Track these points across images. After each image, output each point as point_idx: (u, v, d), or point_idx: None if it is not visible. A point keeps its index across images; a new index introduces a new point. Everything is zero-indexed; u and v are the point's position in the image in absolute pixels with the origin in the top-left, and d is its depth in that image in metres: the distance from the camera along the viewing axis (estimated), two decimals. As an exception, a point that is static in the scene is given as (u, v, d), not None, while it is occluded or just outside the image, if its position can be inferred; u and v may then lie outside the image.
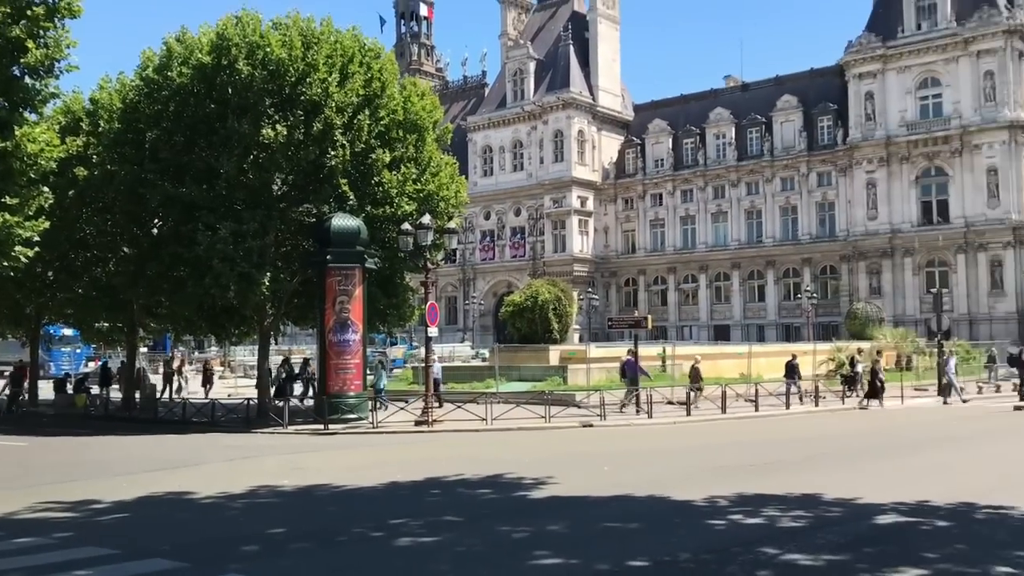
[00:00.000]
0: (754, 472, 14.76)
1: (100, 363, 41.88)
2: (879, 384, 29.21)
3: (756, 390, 27.96)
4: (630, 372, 28.05)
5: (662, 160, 73.69)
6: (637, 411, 26.03)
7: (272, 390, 28.64)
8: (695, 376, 28.50)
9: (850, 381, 31.77)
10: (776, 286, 67.56)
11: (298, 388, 31.91)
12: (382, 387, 29.15)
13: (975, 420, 24.84)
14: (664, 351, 35.59)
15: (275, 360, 32.71)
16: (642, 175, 74.27)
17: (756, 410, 26.97)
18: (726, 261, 69.69)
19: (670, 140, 73.39)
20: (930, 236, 59.36)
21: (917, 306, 58.73)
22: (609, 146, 76.41)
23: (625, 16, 78.19)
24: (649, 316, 37.95)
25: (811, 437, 20.93)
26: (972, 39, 58.59)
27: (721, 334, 67.55)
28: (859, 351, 35.02)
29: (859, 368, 32.62)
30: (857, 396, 30.59)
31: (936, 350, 34.67)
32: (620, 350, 35.69)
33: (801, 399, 29.34)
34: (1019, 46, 58.80)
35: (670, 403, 27.47)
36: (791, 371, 30.67)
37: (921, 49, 60.73)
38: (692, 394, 27.09)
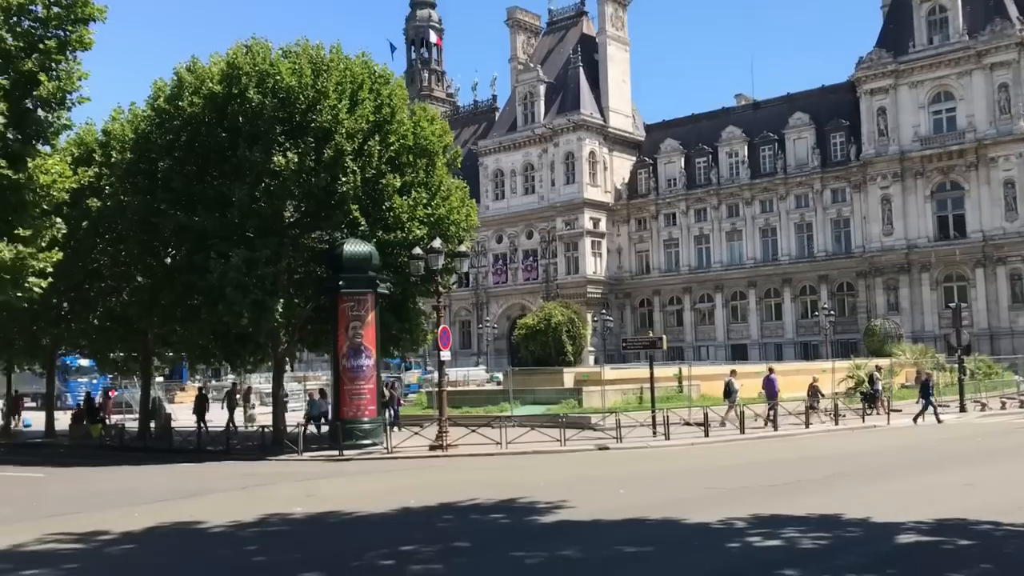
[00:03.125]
0: (772, 493, 14.51)
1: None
2: None
3: (775, 410, 27.60)
4: (769, 388, 28.56)
5: (675, 180, 73.59)
6: (766, 424, 27.24)
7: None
8: (729, 391, 28.65)
9: (870, 399, 31.40)
10: (793, 304, 67.15)
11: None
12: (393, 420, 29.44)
13: (999, 436, 24.42)
14: (680, 371, 35.31)
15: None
16: (655, 195, 74.15)
17: (775, 430, 26.64)
18: (742, 280, 69.36)
19: (682, 159, 73.33)
20: (947, 251, 58.87)
21: (936, 322, 58.12)
22: (621, 167, 76.43)
23: (634, 36, 78.41)
24: (664, 336, 37.71)
25: (830, 456, 20.60)
26: (985, 52, 58.36)
27: (739, 353, 67.06)
28: (878, 368, 34.67)
29: (879, 385, 32.29)
30: (878, 413, 30.24)
31: (956, 366, 34.23)
32: (636, 371, 35.46)
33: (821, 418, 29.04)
34: (1032, 58, 58.56)
35: (687, 424, 27.20)
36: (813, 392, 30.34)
37: (933, 64, 60.54)
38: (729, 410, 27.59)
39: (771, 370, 30.10)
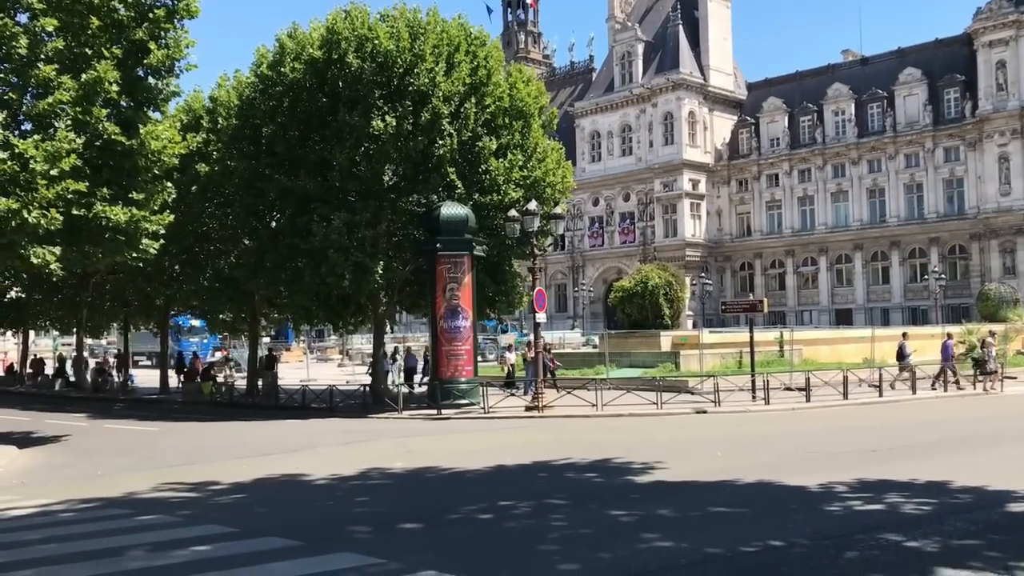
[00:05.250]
0: (875, 458, 14.13)
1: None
2: None
3: (880, 375, 26.80)
4: (944, 352, 28.62)
5: (777, 139, 71.48)
6: (944, 385, 27.66)
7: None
8: (902, 354, 28.72)
9: (982, 365, 30.12)
10: (901, 267, 64.73)
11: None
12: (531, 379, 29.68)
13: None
14: (782, 336, 34.56)
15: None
16: (757, 155, 72.19)
17: (880, 395, 25.88)
18: (847, 242, 67.16)
19: (786, 118, 71.09)
20: (1071, 211, 55.72)
21: (1057, 286, 55.24)
22: (721, 127, 74.60)
23: (736, -7, 75.83)
24: (765, 300, 36.84)
25: (938, 422, 19.93)
26: (1116, -2, 54.58)
27: (843, 318, 65.19)
28: (991, 334, 33.15)
29: (992, 351, 30.91)
30: (990, 380, 29.01)
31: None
32: (735, 335, 34.89)
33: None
34: None
35: (788, 389, 26.68)
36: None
37: (1058, 12, 56.94)
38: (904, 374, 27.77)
39: (949, 335, 30.07)
